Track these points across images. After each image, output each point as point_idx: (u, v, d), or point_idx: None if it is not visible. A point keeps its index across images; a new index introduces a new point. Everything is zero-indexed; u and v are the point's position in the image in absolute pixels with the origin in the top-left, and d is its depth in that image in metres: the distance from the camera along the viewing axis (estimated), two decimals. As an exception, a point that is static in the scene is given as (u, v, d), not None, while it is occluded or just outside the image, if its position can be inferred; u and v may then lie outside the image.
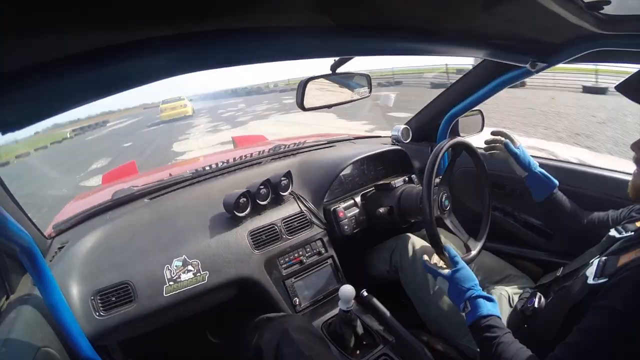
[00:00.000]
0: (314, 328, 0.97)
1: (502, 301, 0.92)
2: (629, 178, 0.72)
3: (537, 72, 0.93)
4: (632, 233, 0.70)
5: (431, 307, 1.00)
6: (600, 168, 1.15)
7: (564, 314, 0.66)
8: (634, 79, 0.65)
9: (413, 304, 1.06)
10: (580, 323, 0.57)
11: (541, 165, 1.05)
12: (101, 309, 0.85)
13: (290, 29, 0.42)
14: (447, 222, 1.03)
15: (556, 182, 0.99)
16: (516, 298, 0.93)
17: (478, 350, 0.80)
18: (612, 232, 0.75)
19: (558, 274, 0.85)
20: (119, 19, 0.30)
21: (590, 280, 0.63)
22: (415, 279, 1.05)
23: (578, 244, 0.94)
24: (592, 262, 0.68)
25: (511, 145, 1.02)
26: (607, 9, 0.60)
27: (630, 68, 0.72)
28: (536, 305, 0.80)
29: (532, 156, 1.06)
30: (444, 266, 0.90)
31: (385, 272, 1.15)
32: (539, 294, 0.83)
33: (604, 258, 0.66)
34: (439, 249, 0.92)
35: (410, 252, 1.09)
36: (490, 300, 0.76)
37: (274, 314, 1.00)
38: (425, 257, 0.95)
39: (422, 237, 1.19)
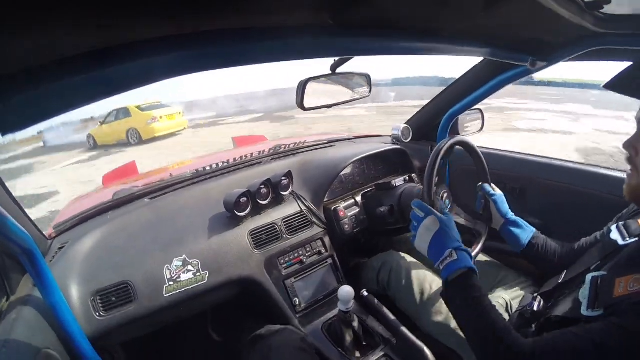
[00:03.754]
0: (310, 344, 0.95)
1: (498, 308, 0.90)
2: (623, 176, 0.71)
3: (537, 70, 0.93)
4: (636, 238, 0.67)
5: (426, 320, 0.97)
6: (598, 166, 1.16)
7: None
8: (624, 76, 0.67)
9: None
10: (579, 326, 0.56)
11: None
12: (101, 309, 0.85)
13: (290, 28, 0.42)
14: None
15: (533, 228, 0.97)
16: (514, 304, 0.91)
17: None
18: (614, 235, 0.72)
19: (560, 281, 0.82)
20: (118, 20, 0.30)
21: (584, 311, 0.60)
22: (405, 296, 1.03)
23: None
24: (586, 278, 0.64)
25: (489, 189, 1.01)
26: (607, 8, 0.60)
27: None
28: (535, 308, 0.77)
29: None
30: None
31: (374, 290, 1.13)
32: (539, 298, 0.80)
33: (598, 274, 0.62)
34: None
35: (397, 270, 1.08)
36: (471, 256, 0.74)
37: (270, 330, 0.98)
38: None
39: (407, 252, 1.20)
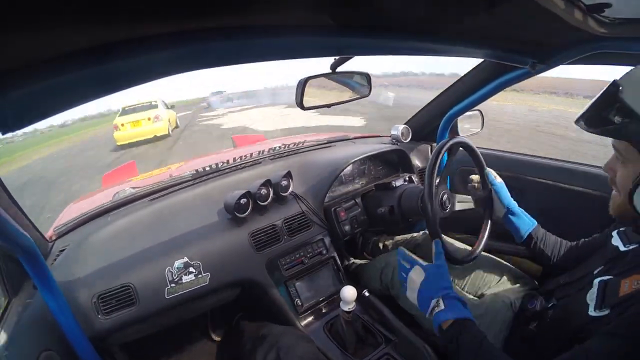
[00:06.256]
0: (310, 343, 0.95)
1: (503, 308, 0.88)
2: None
3: (537, 73, 0.93)
4: (637, 245, 0.68)
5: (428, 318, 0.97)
6: (588, 165, 1.17)
7: (564, 338, 0.65)
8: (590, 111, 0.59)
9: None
10: (584, 344, 0.55)
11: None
12: (103, 311, 0.85)
13: (290, 27, 0.42)
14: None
15: (534, 221, 0.98)
16: (517, 302, 0.91)
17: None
18: (615, 241, 0.74)
19: (561, 282, 0.83)
20: (117, 16, 0.30)
21: (591, 311, 0.62)
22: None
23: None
24: (594, 282, 0.65)
25: (492, 177, 1.01)
26: (609, 12, 0.60)
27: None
28: (537, 308, 0.80)
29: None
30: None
31: (377, 289, 1.13)
32: (540, 297, 0.82)
33: (606, 278, 0.64)
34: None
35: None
36: (464, 304, 0.71)
37: (271, 329, 0.99)
38: (402, 249, 0.89)
39: (412, 249, 1.18)
